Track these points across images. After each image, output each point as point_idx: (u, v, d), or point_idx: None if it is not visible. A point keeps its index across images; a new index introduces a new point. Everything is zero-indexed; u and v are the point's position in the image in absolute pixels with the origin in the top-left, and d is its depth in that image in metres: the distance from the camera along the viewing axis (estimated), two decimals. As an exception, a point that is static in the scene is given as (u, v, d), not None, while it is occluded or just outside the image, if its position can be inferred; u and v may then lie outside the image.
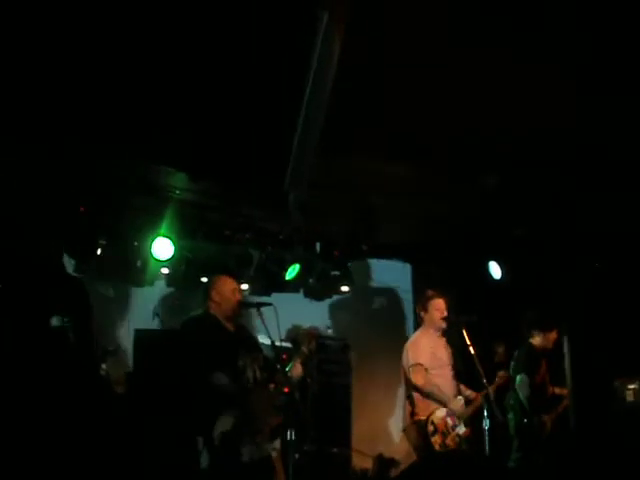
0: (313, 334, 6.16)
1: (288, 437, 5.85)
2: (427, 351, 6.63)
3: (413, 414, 6.60)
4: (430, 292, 6.94)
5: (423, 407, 6.55)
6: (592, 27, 4.27)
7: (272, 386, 5.59)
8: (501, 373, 6.94)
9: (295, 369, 5.78)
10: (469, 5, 4.12)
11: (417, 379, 6.52)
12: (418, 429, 6.50)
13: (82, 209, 6.75)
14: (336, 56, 4.50)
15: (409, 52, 4.58)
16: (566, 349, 6.80)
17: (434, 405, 6.56)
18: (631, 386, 7.64)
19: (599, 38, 4.36)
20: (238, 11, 4.37)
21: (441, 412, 6.54)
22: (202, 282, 7.13)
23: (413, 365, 6.58)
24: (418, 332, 6.87)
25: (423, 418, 6.50)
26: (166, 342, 6.43)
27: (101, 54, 4.65)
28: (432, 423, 6.44)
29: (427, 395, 6.53)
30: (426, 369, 6.57)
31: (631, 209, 6.58)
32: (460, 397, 6.68)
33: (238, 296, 5.78)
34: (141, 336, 7.00)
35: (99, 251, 7.00)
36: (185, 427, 5.35)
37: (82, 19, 4.33)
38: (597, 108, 5.21)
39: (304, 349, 5.95)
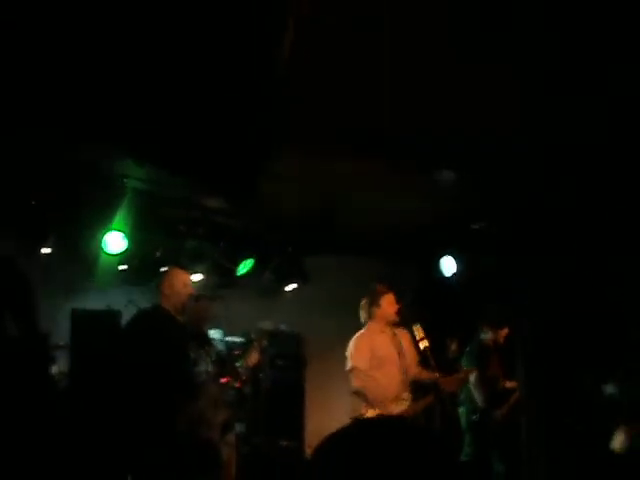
0: (264, 334, 6.18)
1: (238, 431, 5.84)
2: (366, 353, 6.57)
3: (352, 412, 6.60)
4: (380, 287, 6.90)
5: (362, 406, 6.54)
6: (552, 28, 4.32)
7: (223, 380, 5.55)
8: (462, 371, 6.96)
9: (251, 358, 5.76)
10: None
11: (355, 382, 6.51)
12: None
13: (33, 202, 6.66)
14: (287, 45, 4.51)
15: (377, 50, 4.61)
16: (518, 345, 6.85)
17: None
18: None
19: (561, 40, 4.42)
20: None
21: (375, 411, 6.52)
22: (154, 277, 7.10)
23: (351, 369, 6.57)
24: (361, 331, 6.82)
25: (361, 413, 6.49)
26: (106, 322, 6.35)
27: (56, 43, 4.59)
28: None
29: (363, 399, 6.52)
30: (364, 372, 6.54)
31: (588, 202, 6.67)
32: (406, 395, 6.65)
33: (189, 290, 5.74)
34: (79, 316, 6.86)
35: (50, 245, 6.94)
36: (128, 415, 5.29)
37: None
38: (552, 105, 5.28)
39: (256, 344, 5.95)
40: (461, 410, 7.85)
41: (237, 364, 5.81)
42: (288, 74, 4.85)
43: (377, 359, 6.58)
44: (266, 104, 5.23)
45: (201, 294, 5.83)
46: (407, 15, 4.26)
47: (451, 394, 6.93)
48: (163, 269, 6.17)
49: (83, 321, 6.52)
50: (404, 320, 6.87)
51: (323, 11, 4.18)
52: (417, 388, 6.78)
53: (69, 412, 5.62)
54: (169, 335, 5.42)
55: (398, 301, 6.80)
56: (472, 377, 7.62)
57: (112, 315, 6.41)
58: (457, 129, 5.65)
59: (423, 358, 6.64)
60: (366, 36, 4.43)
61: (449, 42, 4.52)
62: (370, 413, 6.42)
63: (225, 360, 5.84)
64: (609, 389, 7.45)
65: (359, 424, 3.67)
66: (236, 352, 7.89)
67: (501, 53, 4.60)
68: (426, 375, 6.75)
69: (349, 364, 6.58)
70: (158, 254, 7.55)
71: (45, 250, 7.05)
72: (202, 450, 5.19)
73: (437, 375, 6.57)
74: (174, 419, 5.09)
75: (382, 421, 4.28)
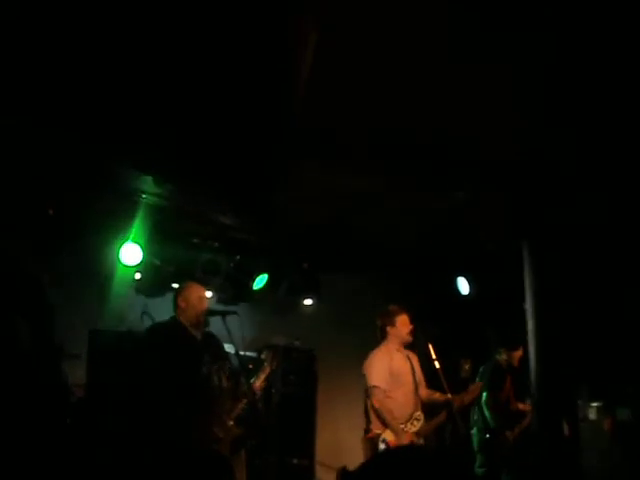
0: (277, 349, 6.16)
1: (250, 448, 5.84)
2: (384, 371, 6.60)
3: (368, 431, 6.59)
4: (395, 307, 6.91)
5: (378, 424, 6.53)
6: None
7: (235, 397, 5.56)
8: (474, 385, 6.92)
9: (258, 382, 5.77)
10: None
11: (375, 401, 6.53)
12: (371, 445, 6.48)
13: (51, 211, 6.70)
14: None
15: (382, 64, 4.61)
16: (531, 366, 6.81)
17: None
18: (594, 404, 7.74)
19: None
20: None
21: (391, 433, 6.52)
22: (169, 289, 7.14)
23: (371, 387, 6.57)
24: (377, 350, 6.82)
25: (378, 432, 6.48)
26: (121, 343, 6.36)
27: (72, 58, 4.63)
28: (384, 440, 6.42)
29: (381, 418, 6.52)
30: (384, 391, 6.56)
31: (597, 226, 6.65)
32: (418, 414, 6.64)
33: (204, 304, 5.76)
34: (95, 337, 6.89)
35: (67, 255, 6.98)
36: (140, 431, 5.30)
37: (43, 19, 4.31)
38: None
39: (266, 365, 5.95)
40: (474, 431, 7.83)
41: (250, 380, 5.79)
42: (304, 91, 4.88)
43: (394, 378, 6.62)
44: (282, 123, 5.26)
45: (211, 310, 5.84)
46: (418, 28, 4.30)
47: (462, 414, 6.89)
48: (177, 284, 6.18)
49: (100, 341, 6.56)
50: (416, 340, 6.89)
51: (333, 26, 4.21)
52: (429, 408, 6.78)
53: (80, 425, 5.62)
54: (182, 349, 5.46)
55: (412, 322, 6.82)
56: (485, 398, 7.61)
57: (129, 335, 6.42)
58: (472, 145, 5.67)
59: (435, 378, 6.64)
60: (379, 48, 4.45)
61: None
62: (388, 434, 6.42)
63: (239, 375, 5.82)
64: (622, 414, 7.43)
65: (388, 455, 3.65)
66: (250, 366, 7.93)
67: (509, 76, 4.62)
68: (438, 397, 6.76)
69: (369, 382, 6.59)
70: (173, 267, 7.56)
71: (61, 260, 7.06)
72: (214, 465, 5.18)
73: (448, 396, 6.58)
74: (185, 433, 5.10)
75: (412, 452, 4.24)
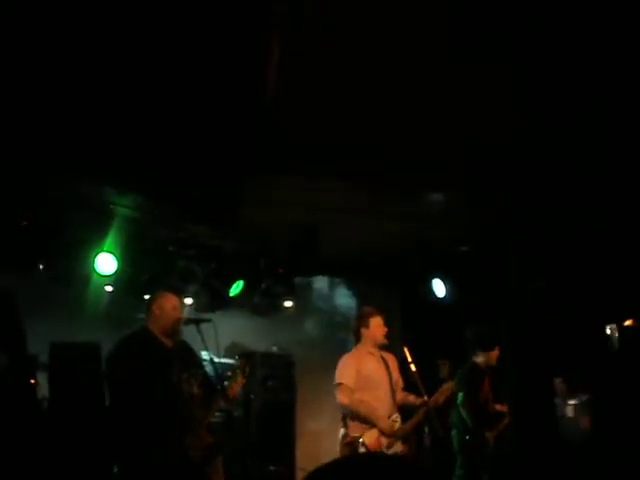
0: (250, 355, 6.15)
1: (227, 455, 5.81)
2: (352, 371, 6.56)
3: (345, 435, 6.55)
4: (369, 309, 6.91)
5: (355, 427, 6.49)
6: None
7: (207, 405, 5.54)
8: (446, 385, 6.93)
9: (232, 390, 5.74)
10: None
11: (341, 398, 6.47)
12: (350, 450, 6.43)
13: (25, 223, 6.68)
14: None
15: (359, 69, 4.62)
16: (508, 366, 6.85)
17: (365, 425, 6.51)
18: (571, 402, 7.78)
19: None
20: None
21: (374, 432, 6.47)
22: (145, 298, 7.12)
23: (336, 385, 6.55)
24: (351, 352, 6.84)
25: (356, 436, 6.45)
26: (84, 355, 6.33)
27: (46, 73, 4.64)
28: (363, 444, 6.38)
29: (353, 415, 6.49)
30: (351, 389, 6.52)
31: (574, 225, 6.69)
32: (396, 416, 6.64)
33: (179, 313, 5.73)
34: (57, 349, 6.83)
35: (41, 266, 6.95)
36: (103, 443, 5.29)
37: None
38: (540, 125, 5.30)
39: (238, 371, 5.92)
40: (453, 432, 7.83)
41: (225, 383, 5.77)
42: (273, 98, 4.89)
43: (364, 379, 6.58)
44: (251, 130, 5.26)
45: (187, 318, 5.82)
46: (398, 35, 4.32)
47: (441, 415, 6.90)
48: (149, 294, 6.16)
49: (62, 353, 6.49)
50: (393, 343, 6.89)
51: (309, 26, 4.22)
52: (406, 410, 6.78)
53: (49, 437, 5.58)
54: (152, 358, 5.40)
55: (387, 324, 6.82)
56: (461, 399, 7.62)
57: (91, 347, 6.39)
58: (444, 148, 5.68)
59: (411, 381, 6.65)
60: (354, 52, 4.46)
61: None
62: (367, 437, 6.39)
63: (214, 383, 5.79)
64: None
65: (355, 459, 3.65)
66: (229, 373, 7.91)
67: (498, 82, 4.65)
68: (412, 400, 6.76)
69: (335, 380, 6.57)
70: (148, 275, 7.54)
71: (36, 271, 7.04)
72: (186, 474, 5.16)
73: (422, 399, 6.59)
74: (155, 443, 5.07)
75: (379, 459, 4.24)
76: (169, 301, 5.73)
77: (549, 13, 4.08)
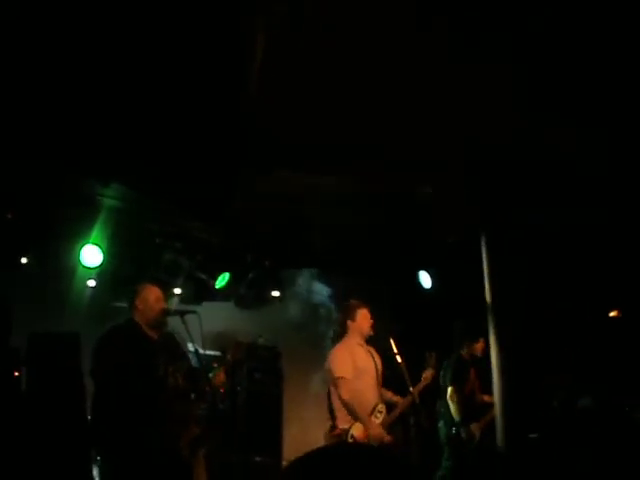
0: (240, 343, 6.15)
1: (210, 447, 5.82)
2: (349, 362, 6.58)
3: (333, 427, 6.56)
4: (355, 301, 6.92)
5: (343, 418, 6.50)
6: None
7: (193, 396, 5.54)
8: (426, 373, 6.95)
9: (217, 377, 5.74)
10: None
11: (343, 393, 6.48)
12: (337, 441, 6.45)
13: (9, 215, 6.66)
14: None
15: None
16: (493, 358, 6.85)
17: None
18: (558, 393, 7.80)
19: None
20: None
21: (361, 424, 6.51)
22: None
23: (337, 379, 6.55)
24: (339, 344, 6.83)
25: (345, 428, 6.46)
26: (63, 344, 6.30)
27: (32, 67, 4.62)
28: (352, 436, 6.41)
29: (350, 411, 6.50)
30: (350, 381, 6.54)
31: (561, 215, 6.70)
32: (381, 406, 6.66)
33: (162, 304, 5.74)
34: (36, 338, 6.78)
35: (25, 259, 6.93)
36: (82, 434, 5.29)
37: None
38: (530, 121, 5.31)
39: (228, 357, 5.94)
40: (440, 424, 7.86)
41: (210, 375, 5.78)
42: (259, 92, 4.89)
43: (357, 370, 6.60)
44: (237, 124, 5.26)
45: (170, 309, 5.82)
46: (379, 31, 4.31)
47: (425, 406, 6.93)
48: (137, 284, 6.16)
49: (40, 343, 6.44)
50: (380, 334, 6.90)
51: (295, 22, 4.22)
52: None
53: (28, 427, 5.57)
54: (137, 350, 5.41)
55: (372, 315, 6.83)
56: (449, 392, 7.65)
57: (71, 336, 6.36)
58: (435, 140, 5.68)
59: (398, 372, 6.67)
60: (347, 49, 4.46)
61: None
62: (355, 429, 6.40)
63: (199, 375, 5.80)
64: (584, 402, 7.49)
65: (340, 447, 3.65)
66: (215, 364, 7.91)
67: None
68: (390, 396, 6.81)
69: (335, 374, 6.57)
70: (134, 267, 7.53)
71: (21, 263, 7.01)
72: (170, 467, 5.17)
73: (399, 398, 6.65)
74: (139, 435, 5.08)
75: (365, 449, 4.25)
76: (152, 293, 5.75)
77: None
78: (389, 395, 6.86)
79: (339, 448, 3.43)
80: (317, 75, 4.77)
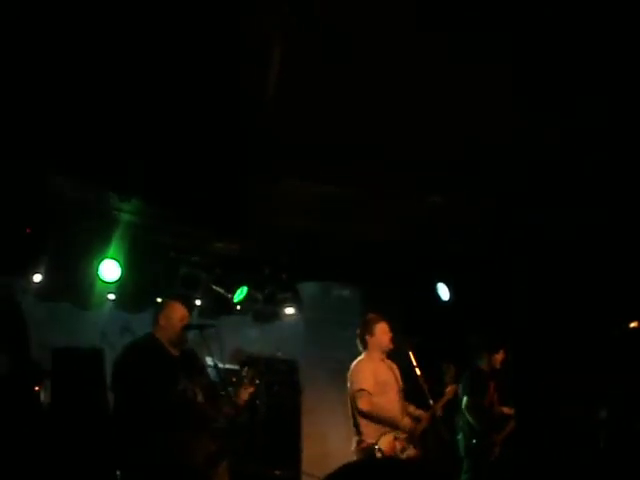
0: (258, 368, 6.19)
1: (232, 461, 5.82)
2: (370, 376, 6.57)
3: (360, 442, 6.53)
4: (372, 315, 6.91)
5: (370, 433, 6.47)
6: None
7: (211, 413, 5.56)
8: (449, 388, 6.93)
9: (242, 395, 5.75)
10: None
11: (363, 405, 6.45)
12: (366, 456, 6.42)
13: (28, 230, 6.69)
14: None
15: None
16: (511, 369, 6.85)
17: (381, 430, 6.49)
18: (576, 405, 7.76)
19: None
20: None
21: (389, 437, 6.46)
22: (149, 304, 7.17)
23: (357, 391, 6.53)
24: (361, 357, 6.80)
25: (371, 442, 6.43)
26: (86, 360, 6.32)
27: (48, 78, 4.65)
28: (379, 449, 6.38)
29: (374, 420, 6.48)
30: (370, 394, 6.52)
31: (574, 227, 6.68)
32: (406, 421, 6.64)
33: (185, 323, 5.71)
34: (60, 354, 6.82)
35: (44, 272, 6.97)
36: (105, 449, 5.30)
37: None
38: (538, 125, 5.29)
39: (246, 382, 5.93)
40: (459, 436, 7.82)
41: (230, 394, 5.77)
42: (274, 101, 4.89)
43: (379, 385, 6.59)
44: (256, 136, 5.27)
45: (190, 324, 5.81)
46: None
47: (446, 419, 6.91)
48: (161, 300, 6.16)
49: (65, 359, 6.47)
50: (397, 347, 6.88)
51: (310, 26, 4.23)
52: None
53: (51, 441, 5.59)
54: (157, 366, 5.41)
55: (391, 329, 6.82)
56: (465, 402, 7.61)
57: (94, 352, 6.39)
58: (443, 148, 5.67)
59: (417, 386, 6.65)
60: (348, 54, 4.46)
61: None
62: (383, 443, 6.37)
63: (218, 390, 5.81)
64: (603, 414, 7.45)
65: (374, 462, 3.64)
66: (234, 379, 7.92)
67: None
68: (412, 410, 6.79)
69: (355, 387, 6.56)
70: (153, 281, 7.56)
71: (39, 279, 7.04)
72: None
73: (421, 412, 6.63)
74: (158, 450, 5.10)
75: (399, 463, 4.25)
76: (176, 312, 5.73)
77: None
78: (411, 409, 6.83)
79: (372, 463, 3.42)
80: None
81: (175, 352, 5.67)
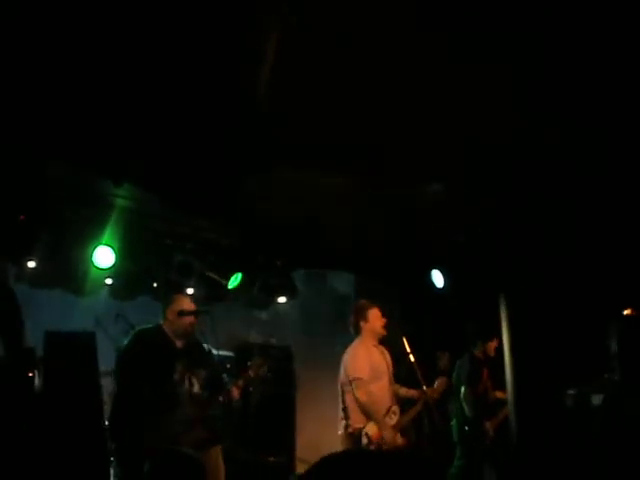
0: (265, 359, 6.30)
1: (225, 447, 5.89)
2: (366, 364, 6.59)
3: (347, 426, 6.55)
4: (364, 301, 6.93)
5: (357, 418, 6.51)
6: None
7: (207, 403, 5.69)
8: (440, 380, 6.96)
9: (233, 392, 5.88)
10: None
11: (360, 395, 6.48)
12: (353, 441, 6.46)
13: (22, 217, 6.67)
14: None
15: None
16: (506, 357, 6.85)
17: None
18: (570, 392, 7.78)
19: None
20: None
21: (373, 426, 6.51)
22: (144, 291, 7.20)
23: (354, 379, 6.54)
24: (355, 344, 6.81)
25: (359, 427, 6.46)
26: (79, 343, 6.32)
27: (46, 69, 4.64)
28: (366, 435, 6.41)
29: (364, 411, 6.51)
30: (367, 383, 6.54)
31: (569, 217, 6.68)
32: (395, 408, 6.65)
33: (191, 318, 5.87)
34: (52, 337, 6.80)
35: (39, 259, 6.95)
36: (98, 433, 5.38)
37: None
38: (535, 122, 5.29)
39: (251, 373, 6.05)
40: (453, 422, 7.86)
41: (224, 375, 5.90)
42: (269, 91, 4.88)
43: (374, 371, 6.61)
44: (246, 123, 5.26)
45: (184, 310, 5.86)
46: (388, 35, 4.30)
47: (439, 405, 6.95)
48: (171, 294, 6.23)
49: (57, 342, 6.45)
50: (392, 334, 6.90)
51: (305, 23, 4.21)
52: (399, 401, 6.81)
53: (44, 425, 5.62)
54: (157, 356, 5.62)
55: (384, 315, 6.83)
56: (463, 392, 7.64)
57: (87, 336, 6.39)
58: (442, 140, 5.66)
59: (410, 371, 6.67)
60: (349, 50, 4.45)
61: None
62: (370, 428, 6.41)
63: (214, 378, 5.92)
64: (596, 400, 7.46)
65: (359, 454, 3.64)
66: (228, 366, 7.94)
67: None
68: (404, 392, 6.82)
69: (351, 375, 6.57)
70: (147, 268, 7.56)
71: (33, 265, 7.03)
72: (181, 468, 5.20)
73: (419, 391, 6.64)
74: (149, 436, 5.22)
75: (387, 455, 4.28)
76: (184, 306, 5.90)
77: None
78: (404, 391, 6.86)
79: (361, 452, 3.43)
80: (316, 75, 4.75)
81: (180, 344, 5.84)
